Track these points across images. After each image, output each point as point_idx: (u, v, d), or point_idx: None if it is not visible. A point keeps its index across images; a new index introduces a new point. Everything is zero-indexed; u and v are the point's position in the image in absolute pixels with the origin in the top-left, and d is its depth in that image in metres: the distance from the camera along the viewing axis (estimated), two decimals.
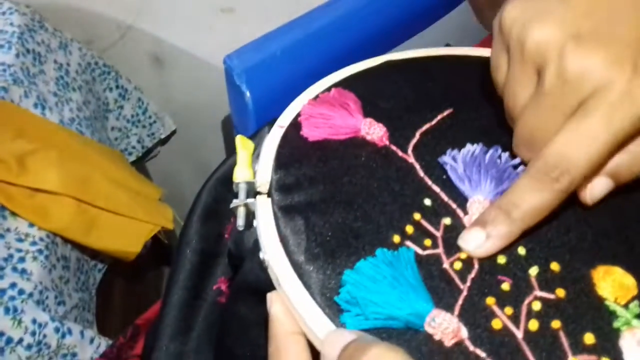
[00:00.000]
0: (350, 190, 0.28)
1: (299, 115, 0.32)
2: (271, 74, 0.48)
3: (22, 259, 0.58)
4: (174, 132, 0.99)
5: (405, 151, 0.30)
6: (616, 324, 0.24)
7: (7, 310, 0.55)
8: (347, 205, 0.28)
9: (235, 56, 0.47)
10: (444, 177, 0.29)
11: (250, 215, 0.29)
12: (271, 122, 0.33)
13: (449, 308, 0.24)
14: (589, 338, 0.23)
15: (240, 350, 0.32)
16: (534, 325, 0.24)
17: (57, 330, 0.57)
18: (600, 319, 0.24)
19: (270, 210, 0.28)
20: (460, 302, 0.24)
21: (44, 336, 0.56)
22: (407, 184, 0.29)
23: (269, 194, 0.28)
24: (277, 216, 0.27)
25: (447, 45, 0.60)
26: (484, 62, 0.31)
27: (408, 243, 0.26)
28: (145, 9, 0.85)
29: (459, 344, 0.23)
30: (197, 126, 0.97)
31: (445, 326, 0.23)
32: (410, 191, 0.28)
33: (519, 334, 0.23)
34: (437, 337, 0.23)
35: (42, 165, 0.64)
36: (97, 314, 0.68)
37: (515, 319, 0.24)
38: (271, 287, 0.26)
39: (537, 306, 0.24)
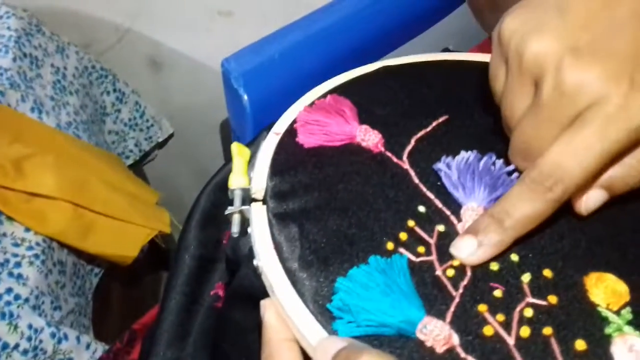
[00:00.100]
0: (345, 197, 0.28)
1: (294, 122, 0.32)
2: (269, 78, 0.48)
3: (18, 264, 0.58)
4: (171, 136, 0.99)
5: (400, 158, 0.31)
6: (608, 330, 0.24)
7: (3, 315, 0.55)
8: (342, 212, 0.28)
9: (233, 59, 0.47)
10: (439, 183, 0.29)
11: (245, 222, 0.29)
12: (269, 127, 0.33)
13: (441, 315, 0.24)
14: (580, 344, 0.23)
15: (235, 356, 0.33)
16: (525, 332, 0.24)
17: (53, 335, 0.57)
18: (592, 326, 0.24)
19: (265, 218, 0.28)
20: (452, 309, 0.24)
21: (40, 341, 0.56)
22: (401, 191, 0.29)
23: (264, 201, 0.29)
24: (272, 223, 0.27)
25: (446, 48, 0.61)
26: (481, 68, 0.32)
27: (401, 250, 0.26)
28: (142, 12, 0.85)
29: (451, 351, 0.23)
30: (195, 129, 0.97)
31: (436, 333, 0.23)
32: (405, 198, 0.29)
33: (511, 340, 0.24)
34: (428, 344, 0.23)
35: (38, 169, 0.64)
36: (93, 319, 0.68)
37: (507, 325, 0.24)
38: (265, 293, 0.26)
39: (529, 313, 0.24)
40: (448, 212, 0.28)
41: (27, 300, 0.56)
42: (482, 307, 0.24)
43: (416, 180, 0.30)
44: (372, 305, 0.23)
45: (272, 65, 0.48)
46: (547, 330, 0.24)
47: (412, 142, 0.31)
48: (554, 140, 0.25)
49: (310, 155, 0.30)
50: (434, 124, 0.33)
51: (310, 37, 0.50)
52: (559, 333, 0.24)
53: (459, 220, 0.28)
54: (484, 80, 0.31)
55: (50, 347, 0.57)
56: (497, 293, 0.25)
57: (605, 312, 0.25)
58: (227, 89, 0.48)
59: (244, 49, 0.48)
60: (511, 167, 0.29)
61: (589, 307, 0.25)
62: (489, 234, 0.26)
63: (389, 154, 0.31)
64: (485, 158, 0.30)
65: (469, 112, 0.33)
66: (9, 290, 0.56)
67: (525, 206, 0.25)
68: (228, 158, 0.41)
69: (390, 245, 0.26)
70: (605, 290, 0.25)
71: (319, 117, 0.32)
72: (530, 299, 0.25)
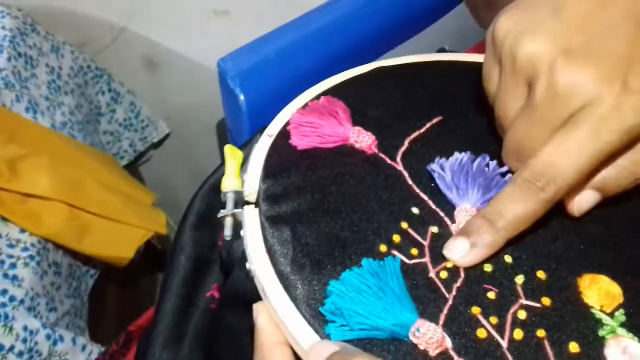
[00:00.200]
0: (338, 199, 0.28)
1: (287, 124, 0.32)
2: (265, 77, 0.48)
3: (13, 265, 0.58)
4: (167, 136, 0.99)
5: (393, 159, 0.31)
6: (601, 332, 0.24)
7: None
8: (335, 215, 0.28)
9: (229, 59, 0.47)
10: (432, 185, 0.29)
11: (238, 225, 0.29)
12: (264, 130, 0.33)
13: (434, 318, 0.24)
14: (573, 347, 0.23)
15: (229, 358, 0.32)
16: (518, 334, 0.24)
17: (48, 337, 0.57)
18: (585, 328, 0.24)
19: (257, 220, 0.28)
20: (445, 311, 0.24)
21: (36, 343, 0.56)
22: (395, 192, 0.29)
23: (257, 204, 0.29)
24: (264, 226, 0.27)
25: (442, 49, 0.60)
26: (476, 68, 0.32)
27: (394, 252, 0.26)
28: (138, 11, 0.84)
29: (444, 354, 0.23)
30: (191, 130, 0.97)
31: (429, 336, 0.23)
32: (398, 199, 0.29)
33: (504, 343, 0.23)
34: (421, 347, 0.23)
35: (33, 170, 0.63)
36: (89, 320, 0.68)
37: (500, 328, 0.24)
38: (258, 297, 0.26)
39: (522, 315, 0.24)
40: (442, 214, 0.28)
41: (22, 301, 0.56)
42: (476, 310, 0.24)
43: (410, 182, 0.29)
44: (365, 308, 0.23)
45: (269, 65, 0.48)
46: (541, 333, 0.24)
47: (406, 143, 0.31)
48: (547, 141, 0.25)
49: (303, 157, 0.30)
50: (428, 125, 0.32)
51: (306, 37, 0.50)
52: (553, 335, 0.24)
53: (453, 221, 0.28)
54: (478, 81, 0.30)
55: (45, 348, 0.57)
56: (491, 295, 0.25)
57: (599, 314, 0.25)
58: (223, 88, 0.48)
59: (240, 48, 0.48)
60: (505, 169, 0.29)
61: (582, 309, 0.25)
62: (481, 235, 0.26)
63: (382, 155, 0.31)
64: (478, 159, 0.30)
65: (463, 113, 0.33)
66: (4, 292, 0.56)
67: (517, 206, 0.25)
68: (224, 159, 0.41)
69: (383, 248, 0.26)
70: (598, 292, 0.25)
71: (312, 118, 0.32)
72: (523, 301, 0.25)
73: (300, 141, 0.31)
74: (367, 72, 0.36)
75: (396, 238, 0.27)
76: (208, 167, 0.44)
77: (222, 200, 0.29)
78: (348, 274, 0.25)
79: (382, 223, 0.27)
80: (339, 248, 0.26)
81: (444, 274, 0.26)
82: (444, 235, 0.27)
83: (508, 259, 0.26)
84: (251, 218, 0.28)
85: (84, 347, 0.60)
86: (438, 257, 0.26)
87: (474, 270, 0.26)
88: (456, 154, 0.30)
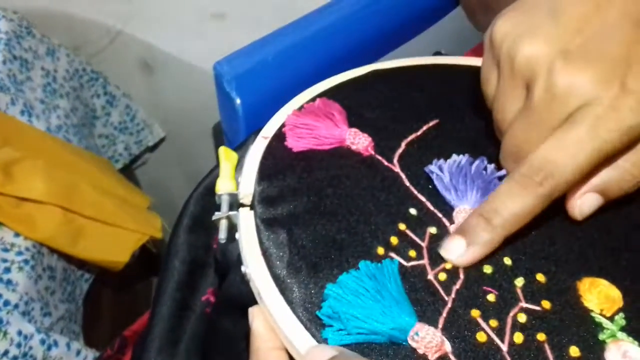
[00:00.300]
0: (335, 201, 0.28)
1: (283, 125, 0.32)
2: (262, 81, 0.48)
3: (7, 270, 0.58)
4: (163, 139, 0.99)
5: (390, 161, 0.30)
6: (601, 336, 0.24)
7: None
8: (331, 217, 0.27)
9: (226, 62, 0.47)
10: (430, 186, 0.29)
11: (233, 228, 0.28)
12: (258, 131, 0.32)
13: (433, 321, 0.24)
14: (574, 351, 0.23)
15: None
16: (519, 338, 0.23)
17: (42, 342, 0.56)
18: (585, 331, 0.24)
19: (252, 223, 0.27)
20: (444, 314, 0.24)
21: (30, 348, 0.55)
22: (392, 193, 0.29)
23: (252, 206, 0.28)
24: (260, 229, 0.27)
25: (438, 52, 0.60)
26: (473, 72, 0.31)
27: (392, 254, 0.26)
28: (134, 14, 0.84)
29: (443, 358, 0.23)
30: (187, 133, 0.97)
31: (428, 340, 0.22)
32: (396, 201, 0.28)
33: (504, 347, 0.23)
34: (420, 352, 0.23)
35: (28, 173, 0.63)
36: (84, 325, 0.68)
37: (500, 331, 0.24)
38: (253, 300, 0.25)
39: (522, 318, 0.24)
40: (440, 215, 0.28)
41: (16, 306, 0.56)
42: (475, 313, 0.24)
43: (407, 183, 0.29)
44: (363, 312, 0.23)
45: (265, 69, 0.48)
46: (541, 336, 0.23)
47: (403, 145, 0.31)
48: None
49: (299, 159, 0.30)
50: (425, 127, 0.32)
51: (303, 40, 0.49)
52: (553, 339, 0.23)
53: (452, 222, 0.28)
54: (475, 84, 0.30)
55: (40, 353, 0.56)
56: (491, 297, 0.25)
57: (599, 318, 0.24)
58: (220, 92, 0.48)
59: (237, 52, 0.48)
60: (503, 172, 0.28)
61: (582, 313, 0.24)
62: (477, 232, 0.25)
63: (379, 157, 0.30)
64: (477, 161, 0.29)
65: (460, 116, 0.33)
66: None
67: (514, 203, 0.25)
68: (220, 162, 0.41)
69: (380, 250, 0.26)
70: (598, 295, 0.25)
71: (308, 120, 0.31)
72: (523, 304, 0.25)
73: (295, 143, 0.31)
74: (363, 74, 0.36)
75: (394, 240, 0.26)
76: (204, 170, 0.43)
77: (216, 203, 0.29)
78: (345, 277, 0.24)
79: (379, 225, 0.27)
80: (336, 251, 0.26)
81: (442, 276, 0.25)
82: (443, 236, 0.27)
83: (507, 261, 0.26)
84: (246, 221, 0.27)
85: (78, 352, 0.60)
86: (437, 259, 0.26)
87: (473, 272, 0.26)
88: (454, 156, 0.30)
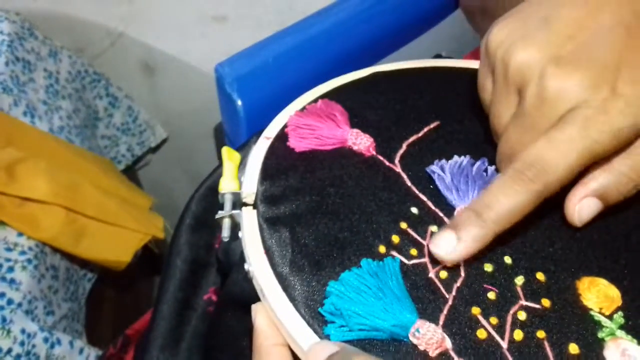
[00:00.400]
0: (337, 201, 0.28)
1: (285, 126, 0.32)
2: (263, 83, 0.48)
3: (11, 269, 0.58)
4: (165, 140, 0.99)
5: (392, 161, 0.31)
6: (600, 335, 0.24)
7: None
8: (333, 216, 0.28)
9: (227, 64, 0.47)
10: (431, 187, 0.29)
11: (235, 227, 0.29)
12: (260, 132, 0.33)
13: (434, 318, 0.24)
14: (573, 348, 0.23)
15: None
16: (518, 335, 0.24)
17: (46, 340, 0.57)
18: (584, 330, 0.24)
19: (255, 222, 0.28)
20: (445, 312, 0.24)
21: (33, 346, 0.56)
22: (394, 192, 0.29)
23: (255, 205, 0.28)
24: (262, 228, 0.27)
25: (438, 55, 0.61)
26: (472, 74, 0.32)
27: (394, 253, 0.26)
28: (136, 16, 0.85)
29: (444, 355, 0.23)
30: (188, 134, 0.97)
31: (429, 337, 0.23)
32: (397, 200, 0.29)
33: (504, 344, 0.23)
34: (421, 348, 0.23)
35: (31, 174, 0.63)
36: (86, 324, 0.68)
37: (500, 328, 0.24)
38: (256, 298, 0.26)
39: (522, 316, 0.24)
40: (441, 214, 0.28)
41: (20, 305, 0.56)
42: (476, 310, 0.24)
43: (409, 183, 0.29)
44: (364, 309, 0.23)
45: (266, 70, 0.48)
46: (541, 334, 0.24)
47: (404, 146, 0.31)
48: None
49: (301, 159, 0.30)
50: (426, 129, 0.32)
51: (304, 42, 0.50)
52: (552, 336, 0.24)
53: None
54: (475, 87, 0.31)
55: (43, 352, 0.57)
56: (491, 295, 0.25)
57: (598, 316, 0.24)
58: (221, 93, 0.48)
59: (238, 53, 0.48)
60: None
61: (581, 311, 0.25)
62: (468, 228, 0.25)
63: (380, 157, 0.31)
64: (478, 163, 0.30)
65: (460, 118, 0.33)
66: (2, 295, 0.56)
67: (507, 197, 0.25)
68: (221, 163, 0.41)
69: (382, 248, 0.26)
70: (597, 294, 0.25)
71: (310, 121, 0.32)
72: (523, 302, 0.25)
73: (298, 143, 0.31)
74: (364, 77, 0.36)
75: (395, 238, 0.27)
76: (206, 171, 0.44)
77: (219, 202, 0.29)
78: (347, 274, 0.24)
79: (381, 224, 0.27)
80: (338, 249, 0.26)
81: (443, 274, 0.26)
82: None
83: (508, 260, 0.26)
84: (249, 219, 0.28)
85: (81, 351, 0.60)
86: None
87: (474, 270, 0.26)
88: (456, 157, 0.30)
